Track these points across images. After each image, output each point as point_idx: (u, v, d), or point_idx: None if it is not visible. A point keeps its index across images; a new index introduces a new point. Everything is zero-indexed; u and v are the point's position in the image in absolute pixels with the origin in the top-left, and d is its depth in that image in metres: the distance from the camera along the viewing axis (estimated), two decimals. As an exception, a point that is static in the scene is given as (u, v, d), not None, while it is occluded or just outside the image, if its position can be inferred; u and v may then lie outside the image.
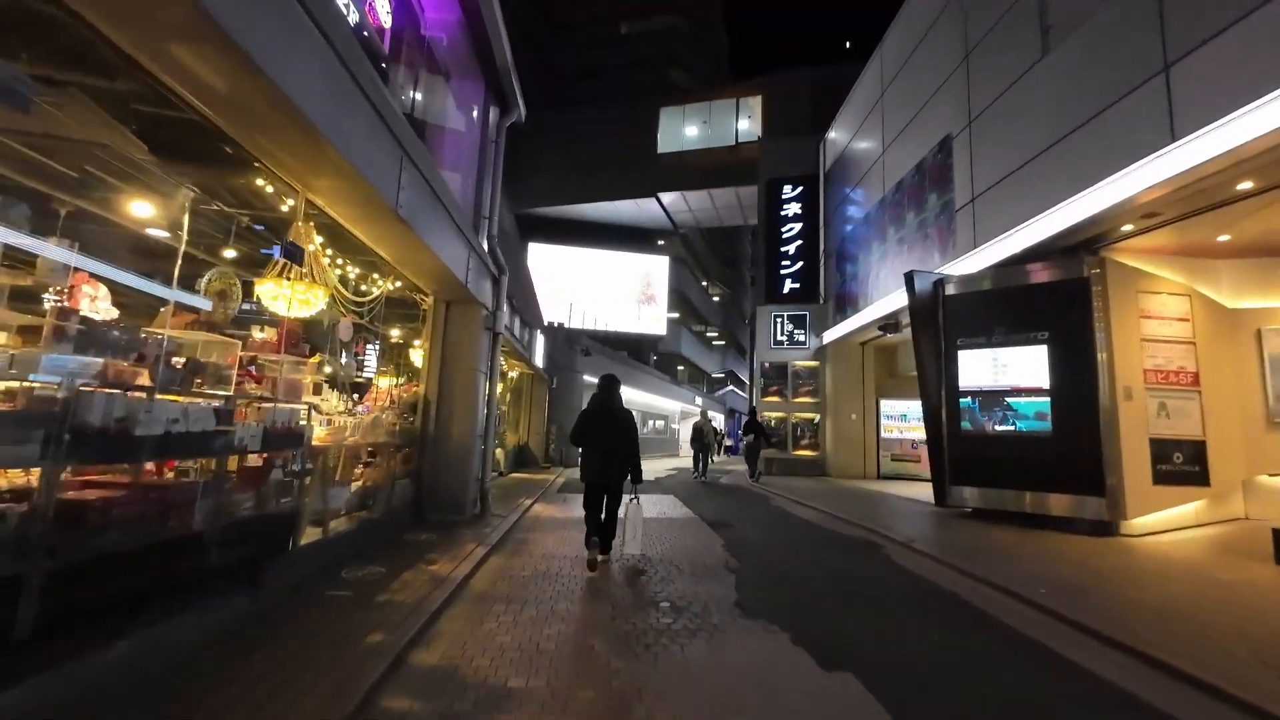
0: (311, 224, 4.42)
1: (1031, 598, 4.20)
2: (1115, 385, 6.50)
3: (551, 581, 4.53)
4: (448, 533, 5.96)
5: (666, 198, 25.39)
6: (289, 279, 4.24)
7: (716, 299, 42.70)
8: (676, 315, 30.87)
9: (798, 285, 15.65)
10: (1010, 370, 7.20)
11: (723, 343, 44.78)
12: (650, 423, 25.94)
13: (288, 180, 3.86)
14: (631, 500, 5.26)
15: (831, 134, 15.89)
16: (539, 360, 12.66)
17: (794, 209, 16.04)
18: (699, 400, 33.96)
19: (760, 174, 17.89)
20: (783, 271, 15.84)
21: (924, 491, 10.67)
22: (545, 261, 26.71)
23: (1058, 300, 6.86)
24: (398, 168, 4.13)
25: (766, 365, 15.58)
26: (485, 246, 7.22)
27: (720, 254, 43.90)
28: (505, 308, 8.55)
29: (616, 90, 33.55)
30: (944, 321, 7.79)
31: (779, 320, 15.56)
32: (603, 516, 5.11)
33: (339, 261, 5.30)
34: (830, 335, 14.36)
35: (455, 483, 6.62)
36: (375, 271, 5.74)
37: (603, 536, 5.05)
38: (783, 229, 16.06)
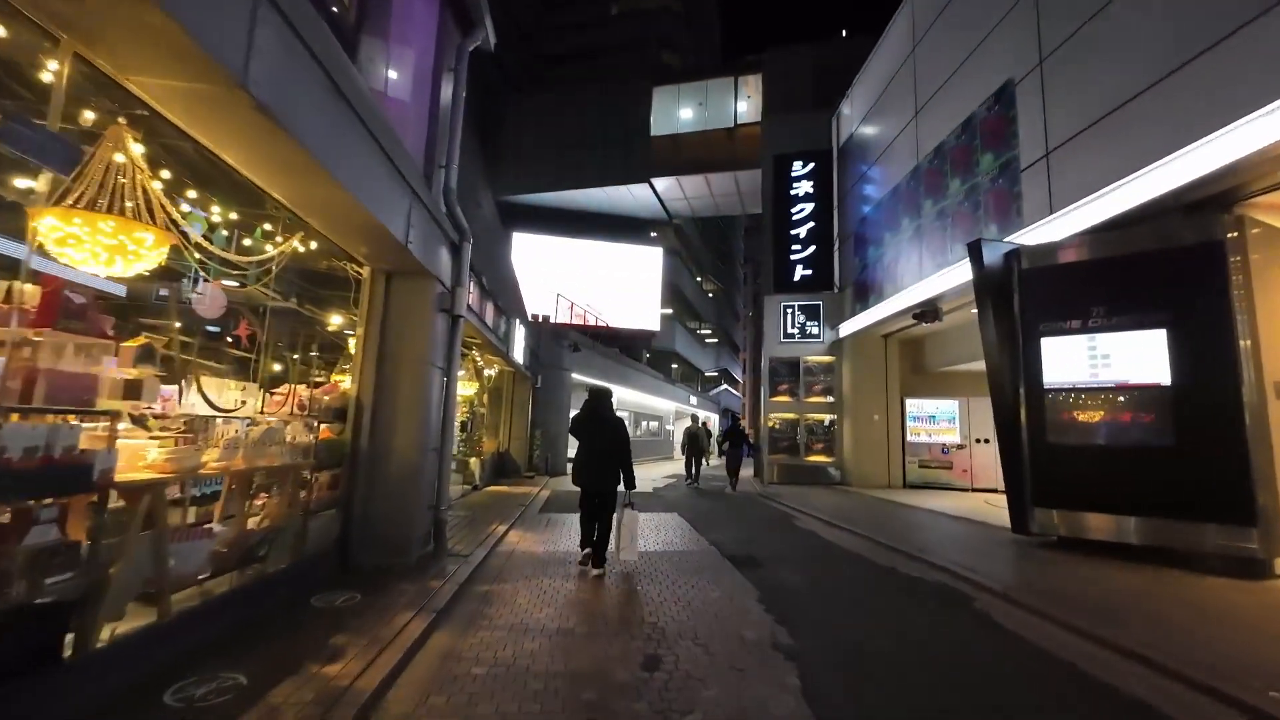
0: (123, 123, 2.74)
1: (1261, 706, 2.67)
2: (1264, 380, 4.99)
3: (519, 688, 2.89)
4: (379, 589, 4.28)
5: (661, 184, 23.78)
6: (81, 208, 2.57)
7: (710, 294, 41.19)
8: (670, 311, 29.29)
9: (809, 272, 14.10)
10: (1114, 363, 5.67)
11: (716, 340, 43.30)
12: (644, 424, 24.36)
13: (39, 21, 2.19)
14: (627, 506, 5.24)
15: (844, 108, 14.36)
16: (519, 356, 10.97)
17: (804, 188, 14.49)
18: (693, 400, 32.42)
19: (763, 152, 16.39)
20: (793, 257, 14.28)
21: (967, 506, 9.12)
22: (531, 252, 24.99)
23: (1181, 272, 5.33)
24: (247, 13, 2.46)
25: (775, 361, 14.02)
26: (441, 204, 5.55)
27: (714, 248, 42.41)
28: (471, 286, 6.88)
29: (606, 73, 31.81)
30: (1021, 302, 6.24)
31: (789, 311, 14.01)
32: (596, 528, 5.21)
33: (191, 194, 3.59)
34: (848, 327, 12.83)
35: (397, 513, 4.96)
36: (269, 221, 4.05)
37: (597, 548, 5.13)
38: (792, 210, 14.51)
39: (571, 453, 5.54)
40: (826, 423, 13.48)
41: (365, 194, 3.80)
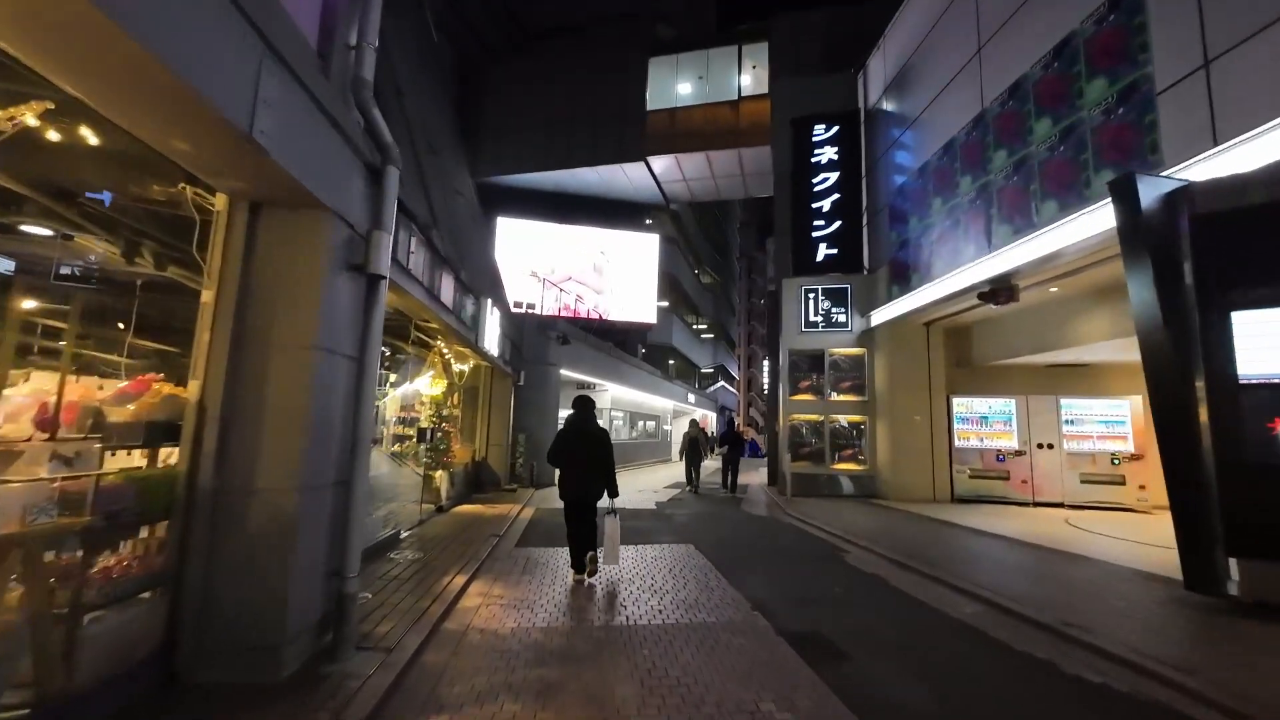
0: None
1: None
2: None
3: None
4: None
5: (658, 165, 21.82)
6: None
7: (708, 287, 39.33)
8: (667, 304, 27.39)
9: (834, 251, 12.23)
10: (1364, 345, 3.82)
11: (712, 336, 41.47)
12: (640, 424, 22.48)
13: None
14: (610, 514, 5.41)
15: (873, 63, 12.50)
16: (492, 346, 8.96)
17: (827, 155, 12.60)
18: (691, 398, 30.58)
19: (774, 119, 14.60)
20: (815, 235, 12.40)
21: (1049, 530, 6.95)
22: (516, 238, 22.97)
23: None
24: None
25: (796, 354, 12.15)
26: (347, 99, 3.58)
27: (711, 239, 40.57)
28: (414, 244, 4.94)
29: (595, 47, 29.63)
30: (1197, 261, 4.37)
31: (811, 296, 12.14)
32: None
33: None
34: (882, 314, 10.97)
35: (263, 592, 3.01)
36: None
37: (580, 555, 5.30)
38: (813, 181, 12.62)
39: None
40: (856, 425, 11.63)
41: (144, 19, 1.85)
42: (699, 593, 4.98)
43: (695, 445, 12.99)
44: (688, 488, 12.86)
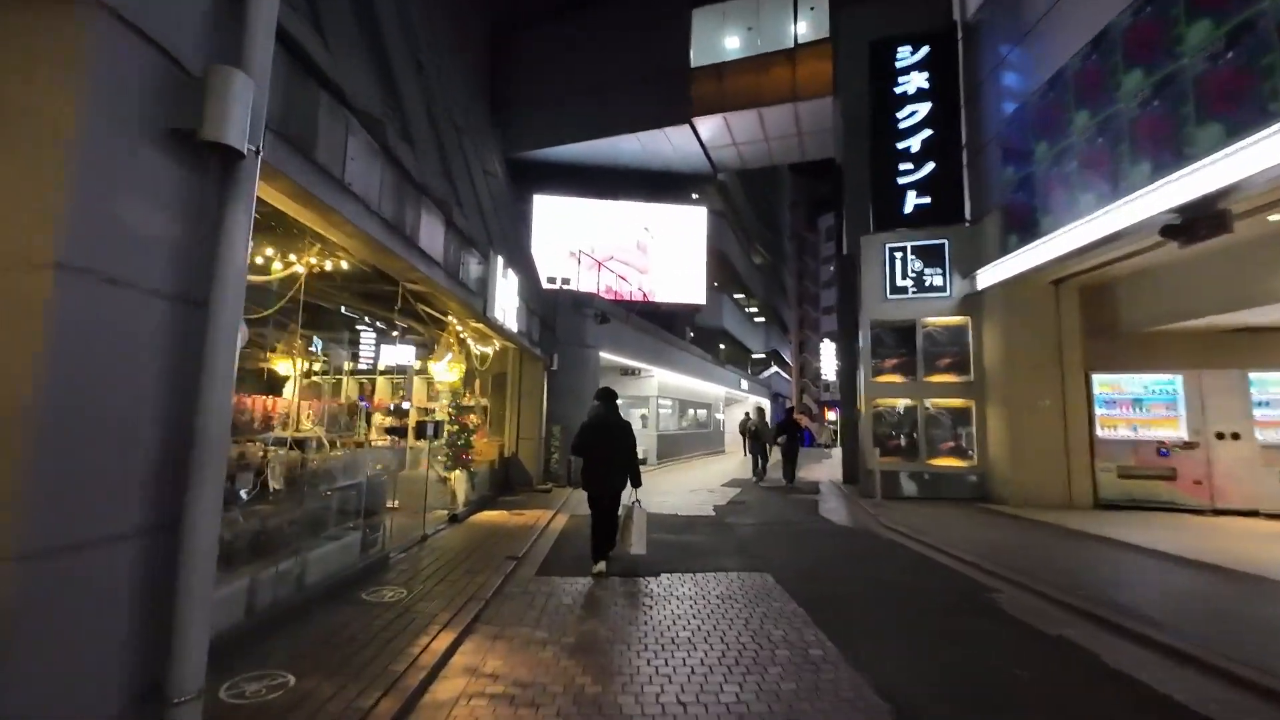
0: None
1: None
2: None
3: None
4: None
5: (705, 127, 19.79)
6: None
7: (759, 266, 36.92)
8: (716, 283, 25.38)
9: (926, 200, 10.02)
10: None
11: (764, 319, 39.03)
12: (689, 413, 20.69)
13: None
14: (634, 503, 5.38)
15: (970, -35, 10.13)
16: (505, 317, 7.20)
17: (915, 83, 10.33)
18: (744, 384, 28.53)
19: (837, 57, 12.45)
20: (901, 181, 10.21)
21: (1262, 550, 5.10)
22: (554, 217, 21.50)
23: None
24: None
25: (879, 327, 10.06)
26: None
27: (761, 215, 38.09)
28: (343, 138, 3.37)
29: (633, 2, 27.40)
30: None
31: (899, 256, 9.99)
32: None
33: None
34: (993, 272, 8.75)
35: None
36: None
37: (604, 548, 5.24)
38: (898, 117, 10.39)
39: None
40: (958, 412, 9.48)
41: None
42: (797, 675, 3.20)
43: (758, 436, 12.90)
44: (752, 478, 12.69)
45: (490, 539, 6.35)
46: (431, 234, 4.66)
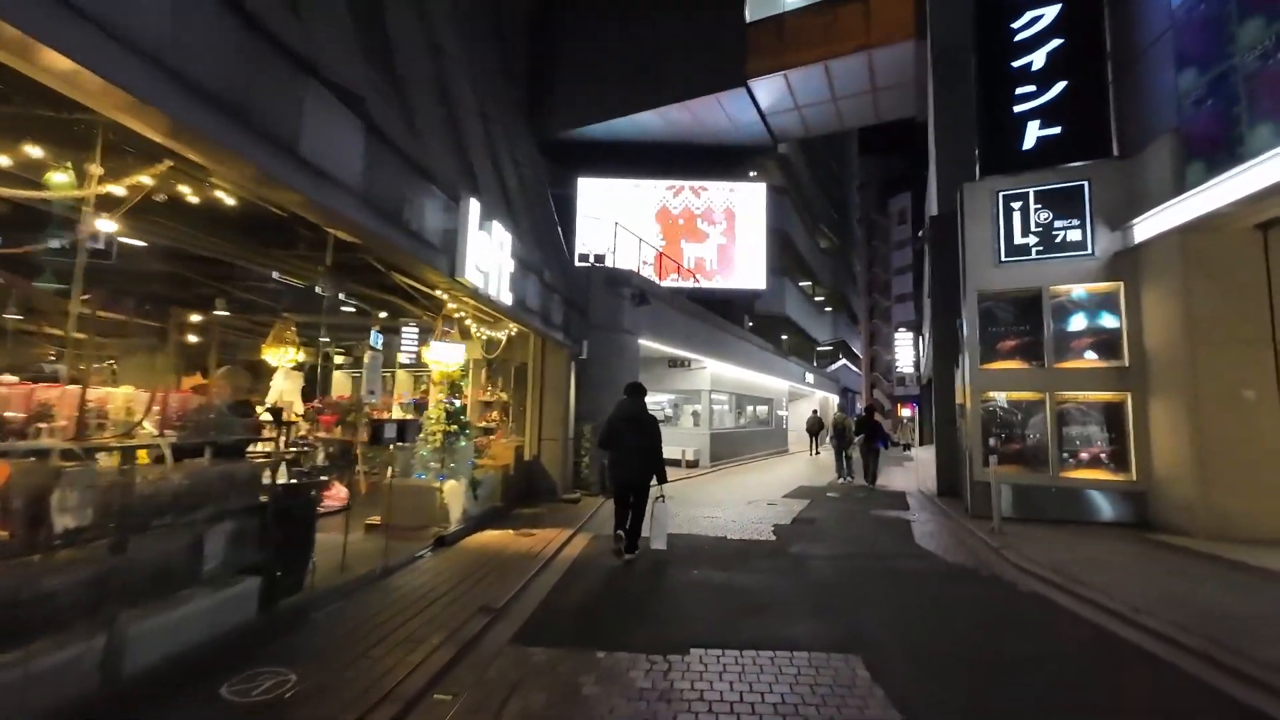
0: None
1: None
2: None
3: None
4: None
5: (763, 90, 17.69)
6: None
7: (825, 250, 34.04)
8: (778, 267, 23.12)
9: (1054, 130, 7.65)
10: None
11: (831, 308, 35.99)
12: (748, 409, 18.65)
13: None
14: (659, 500, 5.45)
15: None
16: (491, 285, 5.29)
17: (1037, -17, 7.96)
18: (810, 378, 26.06)
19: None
20: (1019, 108, 7.89)
21: None
22: (600, 201, 19.99)
23: None
24: None
25: (990, 299, 7.83)
26: None
27: (826, 192, 35.16)
28: None
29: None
30: None
31: (1017, 206, 7.70)
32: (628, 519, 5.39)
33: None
34: (1165, 218, 6.35)
35: None
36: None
37: (630, 536, 5.33)
38: (1014, 27, 8.04)
39: None
40: (1105, 409, 7.14)
41: None
42: None
43: (843, 433, 12.38)
44: (837, 480, 12.26)
45: (475, 574, 4.84)
46: (328, 137, 3.12)
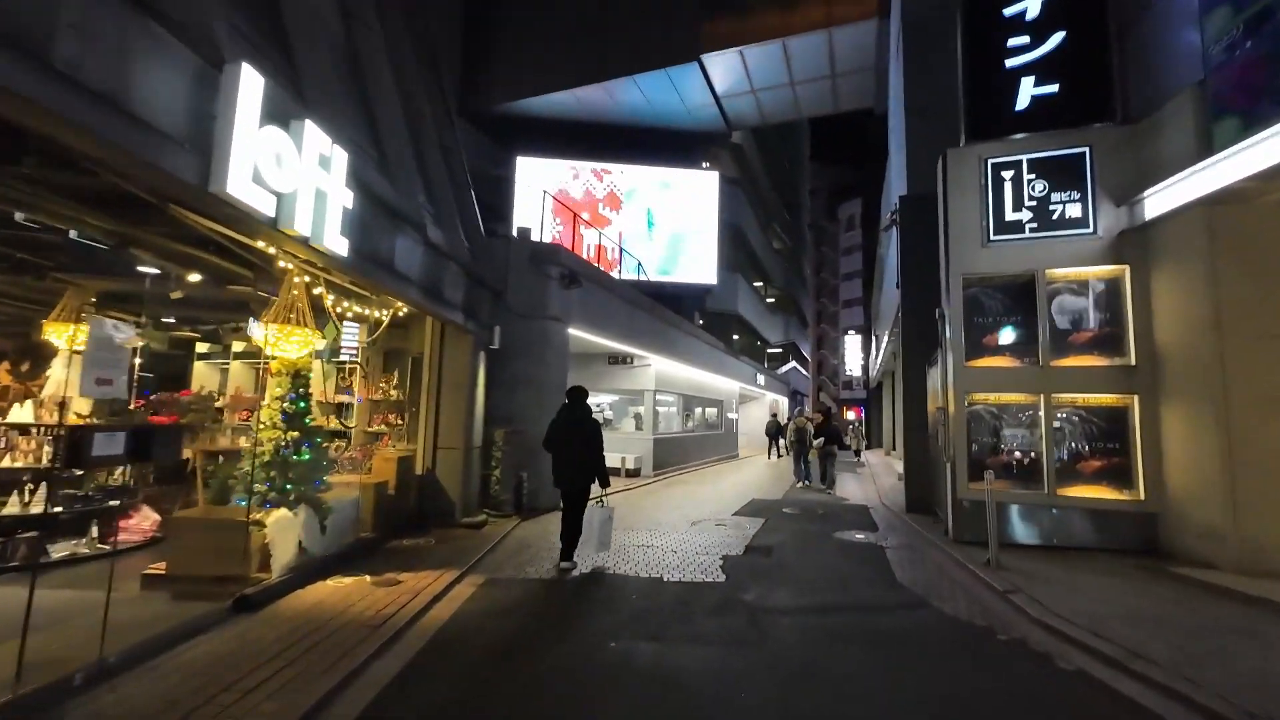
0: None
1: None
2: None
3: None
4: None
5: (719, 67, 16.45)
6: None
7: (778, 250, 33.39)
8: (731, 263, 21.96)
9: (1051, 88, 6.56)
10: None
11: (782, 309, 35.36)
12: (697, 411, 17.32)
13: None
14: (598, 504, 5.41)
15: None
16: (311, 224, 3.54)
17: (1031, -80, 6.87)
18: (761, 379, 25.10)
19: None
20: (1011, 62, 6.76)
21: None
22: (542, 182, 18.19)
23: None
24: None
25: (977, 284, 6.67)
26: None
27: (780, 189, 34.51)
28: None
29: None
30: None
31: (1007, 177, 6.57)
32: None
33: None
34: (1185, 189, 5.28)
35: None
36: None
37: (567, 544, 5.28)
38: (1004, -30, 6.94)
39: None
40: (1107, 415, 6.08)
41: None
42: None
43: (804, 438, 12.36)
44: (797, 482, 12.27)
45: (270, 664, 3.11)
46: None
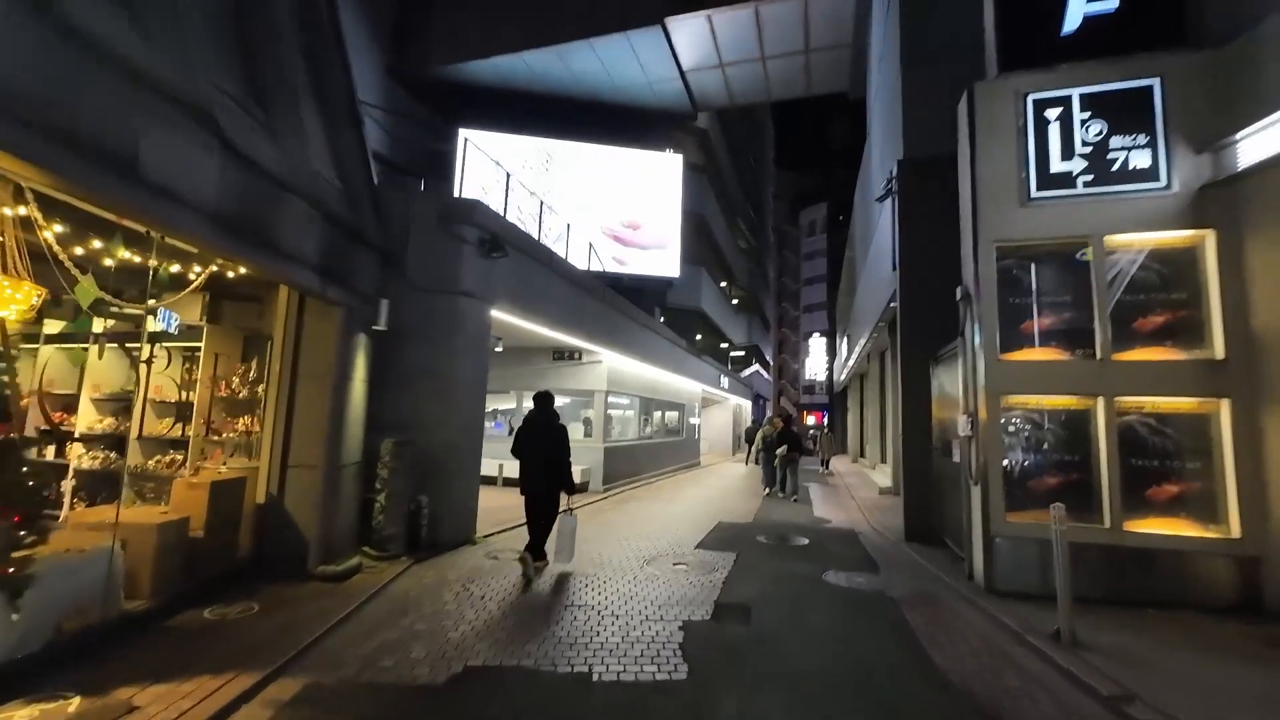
0: None
1: None
2: None
3: None
4: None
5: (684, 33, 14.85)
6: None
7: (744, 249, 32.16)
8: (694, 256, 20.40)
9: (1109, 6, 5.13)
10: None
11: (745, 310, 34.14)
12: (655, 415, 15.57)
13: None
14: (566, 512, 5.39)
15: None
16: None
17: None
18: (725, 381, 23.60)
19: None
20: (1057, -27, 5.31)
21: None
22: (488, 160, 16.08)
23: None
24: None
25: (1012, 254, 5.15)
26: None
27: (745, 184, 33.31)
28: None
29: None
30: None
31: (1052, 117, 5.08)
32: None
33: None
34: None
35: None
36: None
37: (534, 547, 5.21)
38: None
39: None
40: (1180, 424, 4.64)
41: None
42: None
43: (770, 445, 11.68)
44: (765, 490, 11.71)
45: None
46: None
